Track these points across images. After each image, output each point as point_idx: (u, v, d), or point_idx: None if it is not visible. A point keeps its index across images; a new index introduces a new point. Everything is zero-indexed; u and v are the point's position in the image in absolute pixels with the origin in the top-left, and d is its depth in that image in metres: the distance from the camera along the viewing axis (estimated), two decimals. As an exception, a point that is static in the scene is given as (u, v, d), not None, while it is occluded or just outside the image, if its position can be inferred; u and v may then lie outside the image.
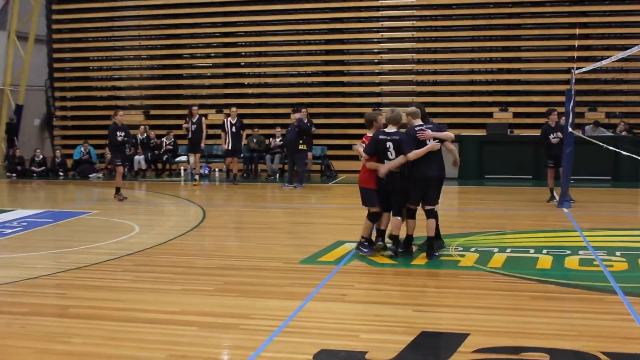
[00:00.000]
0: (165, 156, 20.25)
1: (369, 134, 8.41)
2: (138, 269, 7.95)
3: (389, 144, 8.13)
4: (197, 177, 17.07)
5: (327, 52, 21.34)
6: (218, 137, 21.53)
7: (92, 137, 21.83)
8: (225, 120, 17.29)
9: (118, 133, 14.28)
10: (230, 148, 17.13)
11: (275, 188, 16.81)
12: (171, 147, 20.38)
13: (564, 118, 12.79)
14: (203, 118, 16.96)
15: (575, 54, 15.38)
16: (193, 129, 16.65)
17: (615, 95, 19.20)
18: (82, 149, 20.46)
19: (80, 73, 23.19)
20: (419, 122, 8.36)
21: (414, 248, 8.55)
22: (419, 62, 20.64)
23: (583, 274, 7.54)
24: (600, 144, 13.17)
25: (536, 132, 18.03)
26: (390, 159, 8.09)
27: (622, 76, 18.63)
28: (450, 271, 7.71)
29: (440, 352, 5.27)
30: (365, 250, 8.41)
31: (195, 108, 16.77)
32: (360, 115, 19.99)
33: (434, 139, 8.21)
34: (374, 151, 8.20)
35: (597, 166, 16.86)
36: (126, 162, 15.41)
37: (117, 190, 14.43)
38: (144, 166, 20.12)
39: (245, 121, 18.44)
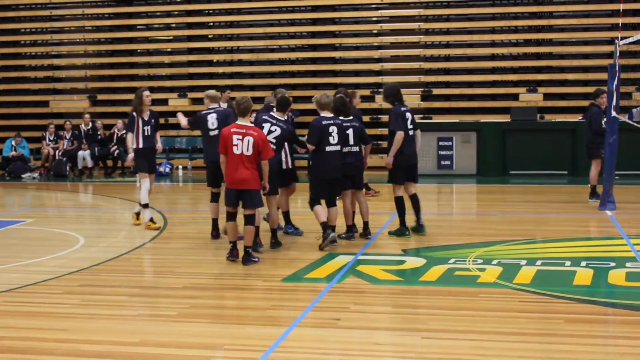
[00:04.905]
0: (116, 151, 20.22)
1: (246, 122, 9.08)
2: (84, 291, 7.93)
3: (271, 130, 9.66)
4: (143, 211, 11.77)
5: (315, 22, 21.36)
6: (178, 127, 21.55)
7: (24, 128, 21.76)
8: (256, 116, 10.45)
9: None
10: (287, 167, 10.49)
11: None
12: (124, 139, 20.34)
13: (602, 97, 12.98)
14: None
15: (620, 20, 15.47)
16: (148, 132, 11.55)
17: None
18: (12, 142, 20.39)
19: (9, 49, 23.07)
20: (326, 113, 9.89)
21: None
22: (427, 32, 20.71)
23: (631, 291, 7.60)
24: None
25: (571, 118, 18.25)
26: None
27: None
28: (467, 289, 7.75)
29: (456, 388, 5.32)
30: (254, 259, 9.04)
31: (147, 94, 11.58)
32: (357, 98, 20.09)
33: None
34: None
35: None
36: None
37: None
38: (89, 164, 20.08)
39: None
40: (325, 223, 9.65)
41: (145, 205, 11.55)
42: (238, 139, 8.79)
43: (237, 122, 9.04)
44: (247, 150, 8.78)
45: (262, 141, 8.85)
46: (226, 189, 9.11)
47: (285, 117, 9.98)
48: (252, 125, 9.06)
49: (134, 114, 11.42)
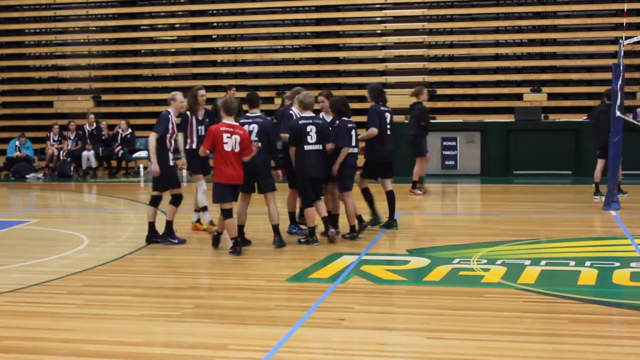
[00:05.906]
0: (120, 151, 20.25)
1: None
2: (88, 291, 7.93)
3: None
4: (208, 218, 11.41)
5: (319, 22, 21.36)
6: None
7: (28, 128, 21.79)
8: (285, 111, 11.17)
9: None
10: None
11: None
12: (128, 139, 20.38)
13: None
14: None
15: (625, 19, 15.43)
16: (202, 132, 10.95)
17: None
18: (17, 143, 20.42)
19: (14, 49, 23.13)
20: (308, 113, 10.03)
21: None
22: (431, 32, 20.70)
23: (636, 291, 7.59)
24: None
25: (575, 118, 18.24)
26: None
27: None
28: (471, 289, 7.74)
29: (461, 389, 5.31)
30: (237, 252, 9.39)
31: (202, 92, 11.13)
32: (360, 98, 20.12)
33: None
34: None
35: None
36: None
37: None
38: (94, 164, 20.11)
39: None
40: (314, 228, 9.95)
41: (204, 208, 11.09)
42: (227, 137, 9.27)
43: (223, 120, 9.42)
44: (236, 147, 9.28)
45: (246, 139, 9.38)
46: (220, 184, 9.32)
47: (259, 113, 9.98)
48: (238, 124, 9.49)
49: (188, 113, 10.84)
